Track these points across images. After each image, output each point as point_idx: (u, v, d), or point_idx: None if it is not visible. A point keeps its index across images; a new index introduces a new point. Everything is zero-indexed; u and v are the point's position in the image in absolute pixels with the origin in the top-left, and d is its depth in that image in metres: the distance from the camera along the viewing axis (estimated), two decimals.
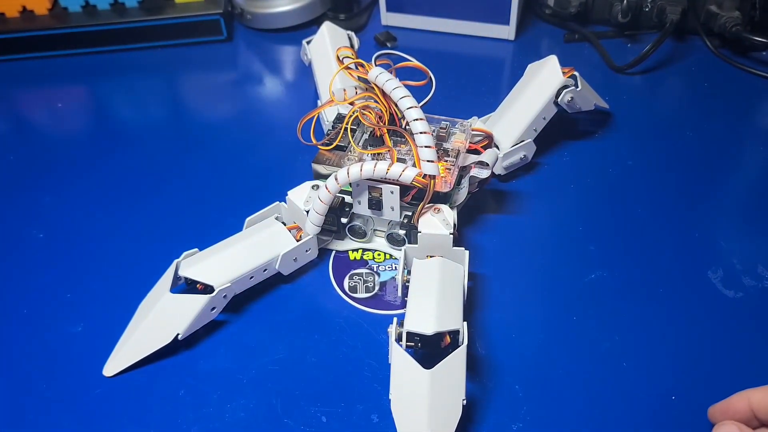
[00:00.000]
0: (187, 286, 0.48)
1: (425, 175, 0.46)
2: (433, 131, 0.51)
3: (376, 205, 0.49)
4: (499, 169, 0.56)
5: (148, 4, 0.74)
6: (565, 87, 0.56)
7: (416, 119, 0.47)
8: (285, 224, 0.50)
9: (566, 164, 0.60)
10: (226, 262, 0.47)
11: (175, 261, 0.47)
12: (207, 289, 0.46)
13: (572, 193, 0.57)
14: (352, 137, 0.52)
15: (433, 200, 0.48)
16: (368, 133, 0.53)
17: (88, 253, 0.53)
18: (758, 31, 0.68)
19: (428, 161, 0.46)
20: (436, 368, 0.40)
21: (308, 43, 0.66)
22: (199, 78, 0.72)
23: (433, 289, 0.44)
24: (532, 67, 0.59)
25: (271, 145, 0.63)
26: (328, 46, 0.63)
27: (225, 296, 0.47)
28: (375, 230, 0.53)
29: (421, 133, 0.46)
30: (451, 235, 0.47)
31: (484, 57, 0.73)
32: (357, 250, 0.53)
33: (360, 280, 0.51)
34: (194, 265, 0.47)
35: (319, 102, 0.61)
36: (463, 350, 0.41)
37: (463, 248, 0.48)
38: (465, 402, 0.40)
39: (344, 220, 0.51)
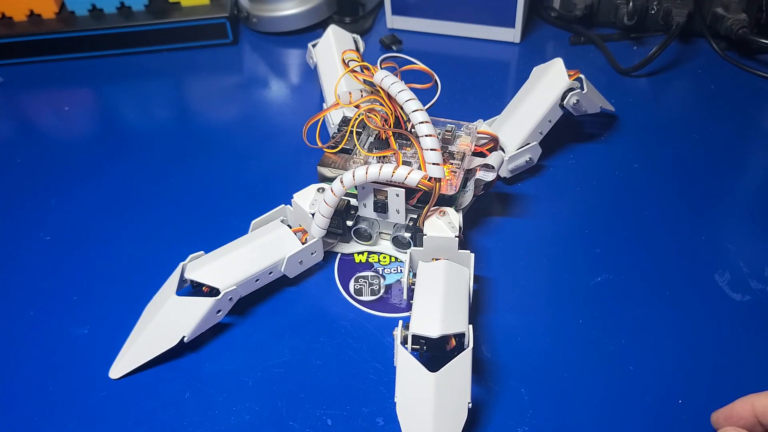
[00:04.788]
0: (192, 289, 0.48)
1: (430, 177, 0.46)
2: (439, 134, 0.51)
3: (381, 207, 0.49)
4: (504, 172, 0.56)
5: (155, 7, 0.75)
6: (570, 89, 0.56)
7: (421, 122, 0.47)
8: (290, 227, 0.50)
9: (572, 167, 0.60)
10: (231, 265, 0.47)
11: (181, 264, 0.47)
12: (212, 291, 0.46)
13: (578, 196, 0.57)
14: (358, 140, 0.52)
15: (438, 203, 0.48)
16: (374, 135, 0.53)
17: (94, 256, 0.53)
18: (765, 34, 0.68)
19: (433, 164, 0.46)
20: (441, 371, 0.40)
21: (314, 46, 0.66)
22: (205, 81, 0.73)
23: (439, 291, 0.44)
24: (538, 69, 0.59)
25: (276, 147, 0.63)
26: (333, 49, 0.63)
27: (230, 299, 0.47)
28: (380, 233, 0.53)
29: (426, 135, 0.46)
30: (457, 238, 0.47)
31: (490, 60, 0.73)
32: (362, 252, 0.53)
33: (365, 282, 0.51)
34: (200, 267, 0.47)
35: (324, 105, 0.61)
36: (469, 353, 0.41)
37: (468, 251, 0.48)
38: (470, 405, 0.40)
39: (350, 223, 0.51)
